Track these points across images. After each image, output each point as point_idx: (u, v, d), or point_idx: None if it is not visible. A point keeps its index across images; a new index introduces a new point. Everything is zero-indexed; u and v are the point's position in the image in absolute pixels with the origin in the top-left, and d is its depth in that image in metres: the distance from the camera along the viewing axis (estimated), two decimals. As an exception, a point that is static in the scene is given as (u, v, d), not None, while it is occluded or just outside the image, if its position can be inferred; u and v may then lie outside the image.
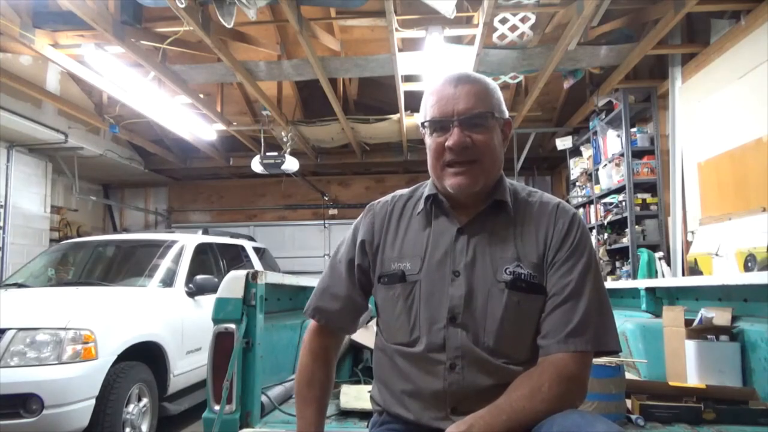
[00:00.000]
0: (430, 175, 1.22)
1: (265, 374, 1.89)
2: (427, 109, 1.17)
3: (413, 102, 5.59)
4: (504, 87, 5.45)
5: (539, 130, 7.17)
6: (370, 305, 1.32)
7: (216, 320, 1.76)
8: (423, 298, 1.14)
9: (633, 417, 1.74)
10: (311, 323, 1.28)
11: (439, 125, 1.14)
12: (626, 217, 5.34)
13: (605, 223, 5.86)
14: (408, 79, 5.38)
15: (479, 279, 1.12)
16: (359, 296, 1.26)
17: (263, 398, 1.86)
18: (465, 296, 1.11)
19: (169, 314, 3.88)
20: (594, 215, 6.22)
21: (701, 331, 2.04)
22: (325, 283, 1.28)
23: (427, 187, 1.25)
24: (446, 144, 1.12)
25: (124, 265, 4.63)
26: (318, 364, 1.25)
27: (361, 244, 1.25)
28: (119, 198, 9.62)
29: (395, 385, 1.17)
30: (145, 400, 3.43)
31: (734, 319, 2.06)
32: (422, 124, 1.18)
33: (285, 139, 6.79)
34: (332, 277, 1.28)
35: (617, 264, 5.79)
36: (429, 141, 1.17)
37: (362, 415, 1.83)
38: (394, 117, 6.31)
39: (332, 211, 9.45)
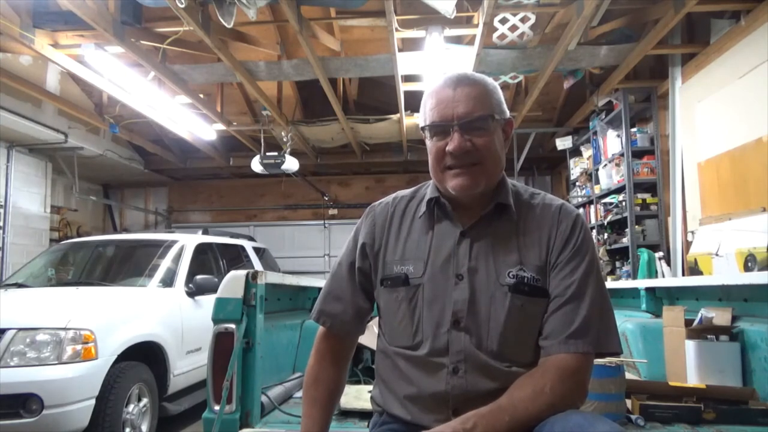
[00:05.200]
0: (431, 177, 1.22)
1: (265, 374, 1.89)
2: (427, 112, 1.16)
3: (413, 102, 5.59)
4: (504, 87, 5.45)
5: (539, 130, 7.17)
6: None
7: (216, 320, 1.76)
8: (426, 301, 1.14)
9: (633, 417, 1.74)
10: (320, 327, 1.28)
11: (439, 129, 1.13)
12: (626, 217, 5.34)
13: (605, 223, 5.86)
14: (408, 79, 5.38)
15: (482, 283, 1.12)
16: (362, 299, 1.26)
17: (263, 398, 1.86)
18: (468, 300, 1.11)
19: (169, 314, 3.88)
20: (594, 215, 6.22)
21: (701, 331, 2.05)
22: (329, 287, 1.29)
23: (429, 189, 1.24)
24: (447, 149, 1.12)
25: (124, 265, 4.63)
26: (323, 365, 1.25)
27: (362, 247, 1.25)
28: (119, 198, 9.62)
29: (397, 387, 1.17)
30: (145, 400, 3.43)
31: (734, 319, 2.07)
32: (422, 128, 1.18)
33: (285, 139, 6.79)
34: (335, 281, 1.28)
35: (617, 264, 5.79)
36: (429, 144, 1.16)
37: (362, 415, 1.83)
38: (394, 117, 6.31)
39: (332, 211, 9.45)
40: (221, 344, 1.73)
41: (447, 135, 1.12)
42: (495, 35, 4.38)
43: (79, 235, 7.46)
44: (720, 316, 2.08)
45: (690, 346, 2.04)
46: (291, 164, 6.74)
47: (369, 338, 1.96)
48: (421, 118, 1.20)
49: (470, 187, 1.13)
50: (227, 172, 9.13)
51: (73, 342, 2.96)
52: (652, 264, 5.08)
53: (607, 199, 5.87)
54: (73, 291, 3.83)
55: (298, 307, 2.69)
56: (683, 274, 4.77)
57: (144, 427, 3.40)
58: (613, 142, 5.68)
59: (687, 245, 4.79)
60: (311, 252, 9.38)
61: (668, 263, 5.08)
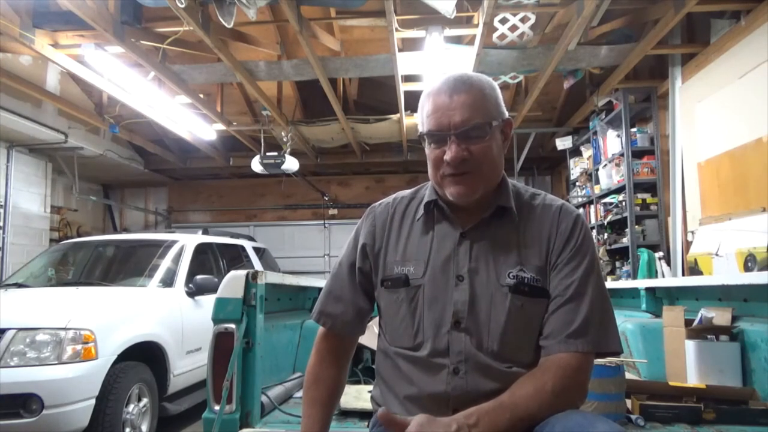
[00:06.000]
0: (431, 180, 1.22)
1: (265, 374, 1.89)
2: (424, 118, 1.16)
3: (413, 102, 5.54)
4: (504, 87, 5.44)
5: (539, 130, 7.17)
6: None
7: (216, 320, 1.76)
8: (427, 302, 1.15)
9: (633, 417, 1.74)
10: (320, 327, 1.28)
11: (436, 138, 1.13)
12: (626, 217, 5.34)
13: (605, 223, 5.86)
14: (408, 79, 5.38)
15: (482, 284, 1.13)
16: (362, 300, 1.26)
17: (263, 398, 1.86)
18: (469, 301, 1.12)
19: (169, 314, 3.88)
20: (594, 215, 6.22)
21: (701, 331, 2.05)
22: (329, 287, 1.29)
23: (428, 191, 1.24)
24: (444, 158, 1.11)
25: (124, 265, 4.63)
26: (324, 366, 1.25)
27: (362, 248, 1.25)
28: (119, 198, 9.62)
29: (397, 387, 1.17)
30: (145, 400, 3.43)
31: (734, 319, 2.07)
32: (420, 135, 1.18)
33: (285, 139, 6.78)
34: (335, 281, 1.28)
35: (617, 264, 5.79)
36: (428, 151, 1.16)
37: (362, 415, 1.83)
38: (394, 117, 6.31)
39: (332, 211, 9.44)
40: (221, 344, 1.73)
41: (444, 143, 1.12)
42: (495, 35, 4.37)
43: (79, 235, 7.46)
44: (720, 316, 2.08)
45: (690, 346, 2.04)
46: (291, 164, 6.74)
47: (369, 338, 1.96)
48: (419, 121, 1.20)
49: (467, 194, 1.13)
50: (227, 172, 9.13)
51: (73, 342, 2.96)
52: (652, 264, 5.08)
53: (607, 199, 5.87)
54: (73, 291, 3.83)
55: (298, 307, 2.69)
56: (683, 274, 4.77)
57: (144, 427, 3.41)
58: (613, 142, 5.68)
59: (687, 245, 4.79)
60: (311, 252, 9.37)
61: (668, 263, 5.07)
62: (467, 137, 1.11)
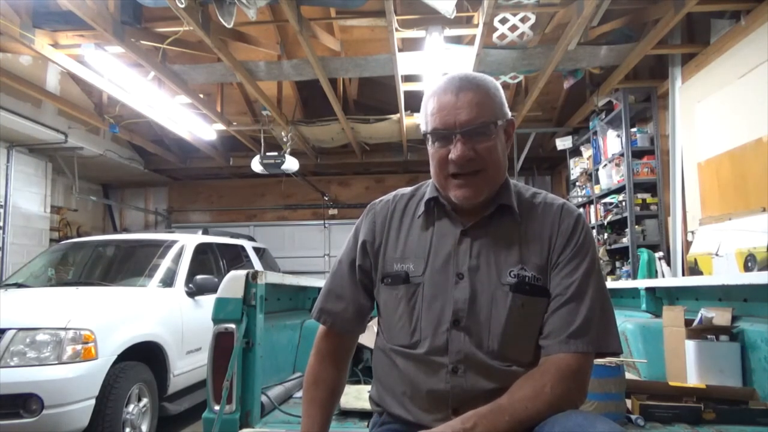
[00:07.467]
0: (433, 180, 1.21)
1: (265, 374, 1.89)
2: (428, 117, 1.15)
3: (413, 102, 5.59)
4: (504, 87, 5.40)
5: (539, 130, 7.17)
6: None
7: (216, 320, 1.76)
8: (426, 300, 1.14)
9: (633, 417, 1.74)
10: (320, 326, 1.28)
11: (442, 136, 1.13)
12: (626, 217, 5.34)
13: (605, 223, 5.86)
14: (408, 79, 5.38)
15: (483, 282, 1.12)
16: (363, 297, 1.26)
17: (263, 398, 1.86)
18: (469, 299, 1.11)
19: (169, 314, 3.88)
20: (594, 215, 6.23)
21: (701, 331, 2.05)
22: (330, 285, 1.28)
23: (428, 188, 1.24)
24: (449, 157, 1.11)
25: (124, 265, 4.63)
26: (324, 365, 1.25)
27: (362, 245, 1.25)
28: (119, 198, 9.62)
29: (395, 385, 1.17)
30: (145, 400, 3.43)
31: (734, 319, 2.07)
32: (424, 134, 1.17)
33: (285, 139, 6.78)
34: (335, 279, 1.28)
35: (617, 264, 5.79)
36: (431, 150, 1.16)
37: (362, 415, 1.83)
38: (394, 117, 6.31)
39: (332, 211, 9.45)
40: (221, 344, 1.73)
41: (449, 142, 1.11)
42: (495, 35, 4.37)
43: (79, 235, 7.46)
44: (720, 316, 2.08)
45: (690, 346, 2.04)
46: (291, 164, 6.74)
47: (368, 337, 1.96)
48: (423, 120, 1.19)
49: (473, 197, 1.13)
50: (227, 172, 9.13)
51: (73, 342, 2.96)
52: (652, 264, 5.08)
53: (607, 199, 5.87)
54: (73, 291, 3.83)
55: (298, 307, 2.69)
56: (683, 274, 4.77)
57: (144, 427, 3.41)
58: (613, 142, 5.68)
59: (687, 245, 4.78)
60: (311, 252, 9.38)
61: (668, 263, 5.07)
62: (473, 135, 1.10)
